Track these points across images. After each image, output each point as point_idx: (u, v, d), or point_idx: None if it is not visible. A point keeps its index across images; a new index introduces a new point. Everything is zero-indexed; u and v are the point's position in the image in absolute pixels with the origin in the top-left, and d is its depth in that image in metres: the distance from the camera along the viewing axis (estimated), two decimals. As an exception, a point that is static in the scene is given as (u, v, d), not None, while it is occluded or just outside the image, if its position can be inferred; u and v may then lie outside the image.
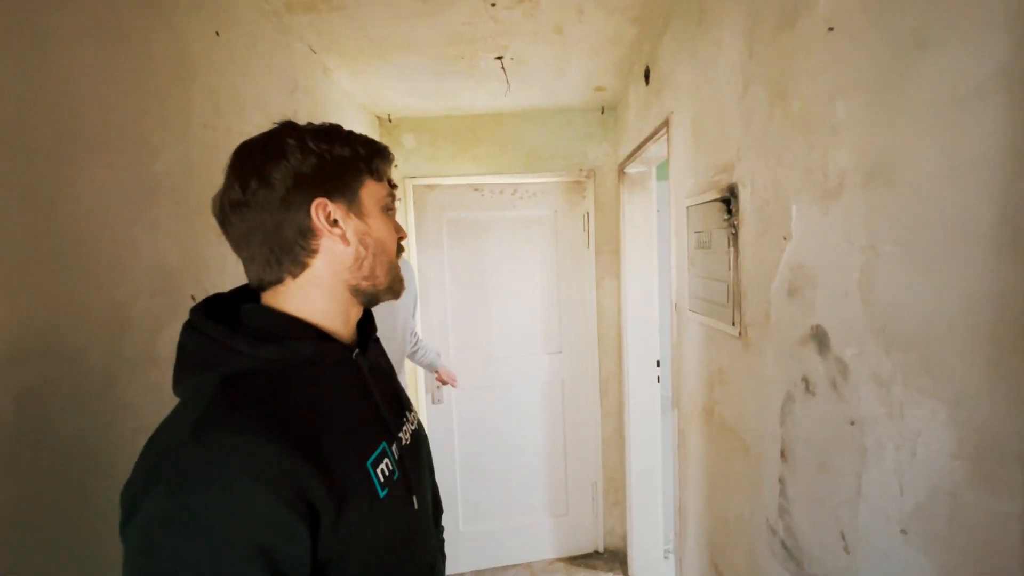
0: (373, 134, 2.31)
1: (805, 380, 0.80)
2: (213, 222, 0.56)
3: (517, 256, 2.42)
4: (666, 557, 2.32)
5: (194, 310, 0.54)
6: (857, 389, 0.67)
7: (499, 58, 1.71)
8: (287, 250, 0.54)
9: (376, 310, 0.70)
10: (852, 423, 0.69)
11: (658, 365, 2.24)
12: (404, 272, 1.71)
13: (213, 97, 1.06)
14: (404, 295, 1.63)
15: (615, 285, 2.40)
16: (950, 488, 0.53)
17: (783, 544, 0.89)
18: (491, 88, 2.00)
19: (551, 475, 2.48)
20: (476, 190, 2.37)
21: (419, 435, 0.69)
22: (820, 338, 0.75)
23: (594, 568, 2.41)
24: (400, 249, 0.63)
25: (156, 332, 0.87)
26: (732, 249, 1.05)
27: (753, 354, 0.98)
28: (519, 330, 2.45)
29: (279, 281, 0.55)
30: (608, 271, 2.41)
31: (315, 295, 0.56)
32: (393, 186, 1.57)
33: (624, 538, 2.44)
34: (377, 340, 0.71)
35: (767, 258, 0.91)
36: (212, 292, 0.59)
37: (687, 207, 1.32)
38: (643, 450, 2.25)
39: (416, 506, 0.59)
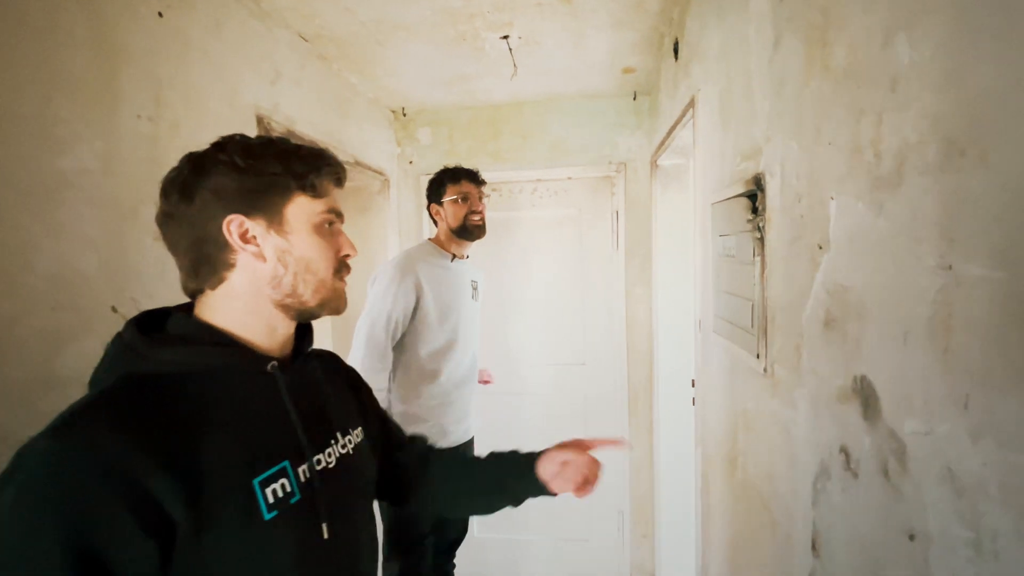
0: (387, 130, 2.20)
1: (845, 452, 0.56)
2: (151, 225, 0.57)
3: (537, 260, 2.22)
4: (700, 603, 2.04)
5: (130, 319, 0.55)
6: (920, 486, 0.43)
7: (505, 37, 1.52)
8: (205, 262, 0.55)
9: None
10: (912, 537, 0.44)
11: (693, 385, 1.96)
12: (482, 277, 1.73)
13: (153, 86, 0.96)
14: (475, 296, 1.64)
15: (647, 294, 2.14)
16: None
17: (814, 667, 0.64)
18: (506, 75, 1.82)
19: (570, 497, 2.26)
20: (494, 190, 2.18)
21: (352, 460, 0.63)
22: (866, 396, 0.51)
23: (618, 605, 2.17)
24: (342, 268, 0.61)
25: (56, 350, 0.77)
26: (759, 259, 0.80)
27: (781, 400, 0.74)
28: (538, 340, 2.25)
29: (201, 291, 0.56)
30: (639, 278, 2.15)
31: (234, 307, 0.56)
32: (480, 183, 1.64)
33: (652, 574, 2.17)
34: (327, 356, 0.73)
35: (799, 273, 0.66)
36: (143, 303, 0.59)
37: (712, 204, 1.07)
38: (674, 480, 1.98)
39: (326, 535, 0.56)
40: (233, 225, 0.53)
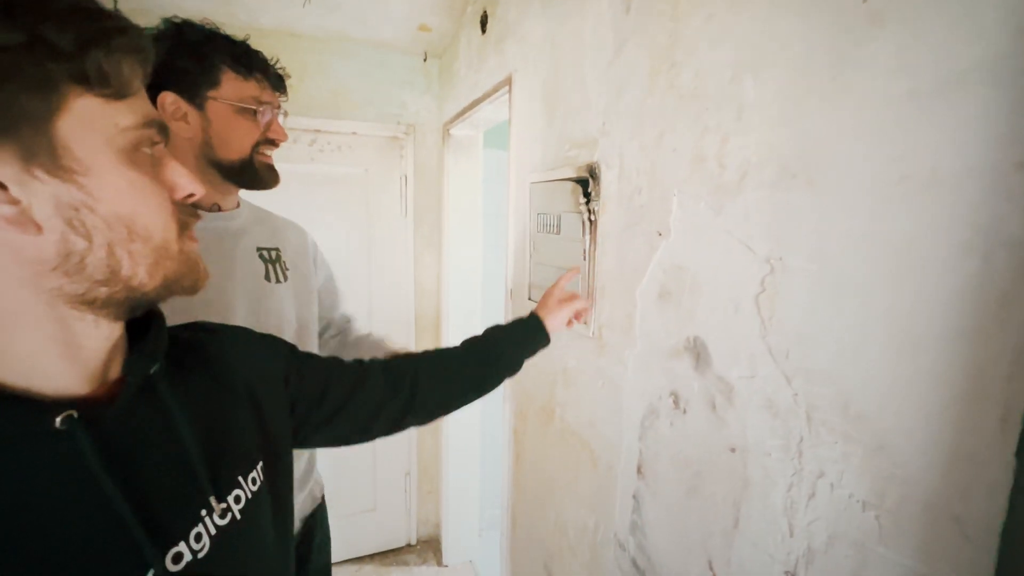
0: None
1: (674, 395, 0.72)
2: None
3: (318, 220, 1.98)
4: (481, 535, 2.30)
5: None
6: (744, 415, 0.60)
7: (295, -50, 1.25)
8: None
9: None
10: (733, 450, 0.62)
11: (479, 346, 2.13)
12: (292, 238, 0.97)
13: None
14: (304, 274, 0.96)
15: (435, 261, 2.17)
16: (857, 539, 0.47)
17: (633, 562, 0.83)
18: (282, -5, 1.50)
19: (355, 469, 2.18)
20: (260, 131, 1.81)
21: (231, 538, 0.42)
22: (698, 352, 0.67)
23: (406, 563, 2.24)
24: (189, 217, 0.41)
25: None
26: (588, 238, 0.92)
27: (609, 358, 0.88)
28: (320, 311, 2.03)
29: None
30: (428, 244, 2.16)
31: None
32: (281, 89, 0.90)
33: (438, 526, 2.33)
34: (219, 336, 0.51)
35: (635, 254, 0.80)
36: None
37: (531, 183, 1.16)
38: (460, 434, 2.14)
39: None
40: None
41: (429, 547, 2.34)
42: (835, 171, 0.48)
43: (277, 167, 0.89)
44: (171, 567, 0.37)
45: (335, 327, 1.14)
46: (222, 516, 0.42)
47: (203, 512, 0.41)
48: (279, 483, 0.51)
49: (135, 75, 0.36)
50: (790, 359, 0.54)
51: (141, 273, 0.37)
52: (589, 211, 0.91)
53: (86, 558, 0.34)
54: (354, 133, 1.98)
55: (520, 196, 1.24)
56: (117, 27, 0.35)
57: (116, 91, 0.35)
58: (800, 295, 0.52)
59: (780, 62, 0.54)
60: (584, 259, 0.94)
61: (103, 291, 0.36)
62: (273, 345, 0.59)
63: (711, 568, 0.66)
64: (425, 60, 2.04)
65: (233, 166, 0.82)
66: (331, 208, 2.00)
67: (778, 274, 0.55)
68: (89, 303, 0.35)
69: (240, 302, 0.84)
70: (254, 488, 0.47)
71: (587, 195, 0.92)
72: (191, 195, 0.41)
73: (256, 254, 0.90)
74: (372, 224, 2.08)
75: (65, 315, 0.35)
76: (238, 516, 0.44)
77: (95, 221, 0.34)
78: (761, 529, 0.58)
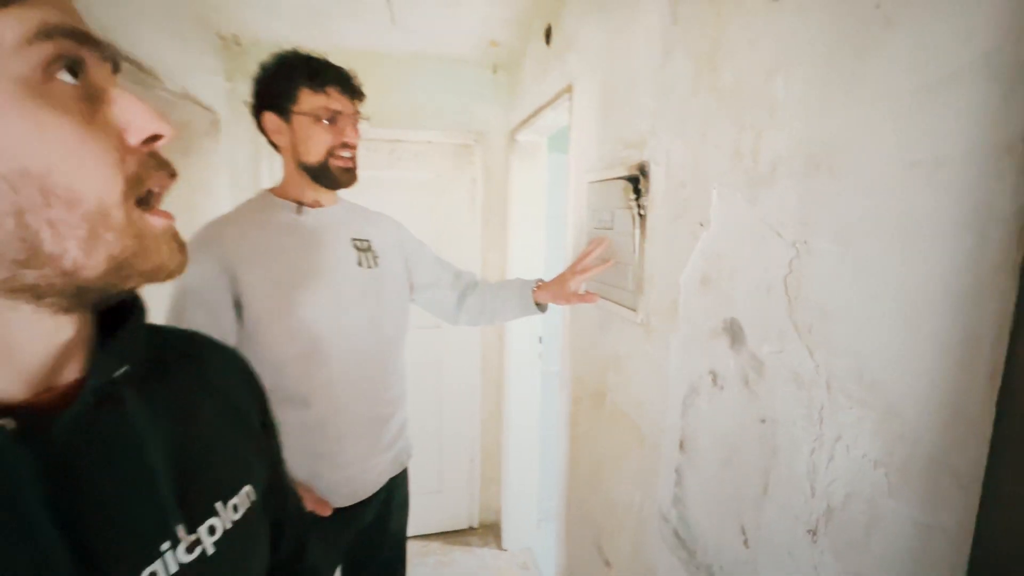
0: (212, 58, 1.84)
1: (713, 373, 0.78)
2: None
3: (396, 222, 2.18)
4: (539, 526, 2.39)
5: None
6: (773, 388, 0.65)
7: (383, -16, 1.43)
8: None
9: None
10: (763, 421, 0.67)
11: (540, 342, 2.23)
12: (381, 230, 1.11)
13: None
14: (391, 261, 1.08)
15: (500, 259, 2.31)
16: (869, 495, 0.52)
17: (676, 533, 0.88)
18: (373, 22, 1.71)
19: (425, 453, 2.36)
20: (349, 142, 2.05)
21: (208, 574, 0.36)
22: (734, 332, 0.72)
23: (468, 544, 2.38)
24: (146, 177, 0.31)
25: None
26: (639, 231, 0.99)
27: (655, 343, 0.95)
28: (396, 304, 2.23)
29: None
30: (494, 244, 2.30)
31: None
32: (357, 95, 1.04)
33: (498, 512, 2.44)
34: (208, 352, 0.46)
35: (679, 244, 0.86)
36: None
37: (588, 183, 1.24)
38: (521, 426, 2.25)
39: None
40: None
41: (490, 532, 2.46)
42: (854, 160, 0.53)
43: (363, 173, 1.04)
44: None
45: (463, 281, 1.26)
46: (189, 550, 0.35)
47: (164, 546, 0.33)
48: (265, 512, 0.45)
49: (60, 17, 0.27)
50: (813, 333, 0.58)
51: (72, 250, 0.28)
52: (639, 206, 0.99)
53: None
54: (429, 142, 2.17)
55: (578, 195, 1.32)
56: None
57: (38, 28, 0.26)
58: (822, 274, 0.57)
59: (807, 62, 0.59)
60: (634, 252, 1.01)
61: (30, 275, 0.27)
62: (262, 394, 0.51)
63: (743, 532, 0.71)
64: (495, 72, 2.18)
65: (314, 169, 0.96)
66: (407, 210, 2.19)
67: (803, 256, 0.60)
68: (18, 291, 0.28)
69: (332, 284, 0.97)
70: (235, 517, 0.39)
71: (637, 191, 0.99)
72: (155, 136, 0.31)
73: (351, 244, 1.04)
74: (443, 224, 2.25)
75: None
76: (210, 550, 0.36)
77: (8, 180, 0.26)
78: (787, 493, 0.63)
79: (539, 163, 2.13)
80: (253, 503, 0.43)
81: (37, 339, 0.30)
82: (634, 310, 1.01)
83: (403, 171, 2.17)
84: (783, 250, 0.63)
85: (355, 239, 1.05)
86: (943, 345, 0.45)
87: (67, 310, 0.31)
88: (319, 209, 1.02)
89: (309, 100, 0.94)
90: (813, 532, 0.59)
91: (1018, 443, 0.37)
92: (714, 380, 0.77)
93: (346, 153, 0.98)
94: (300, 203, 1.00)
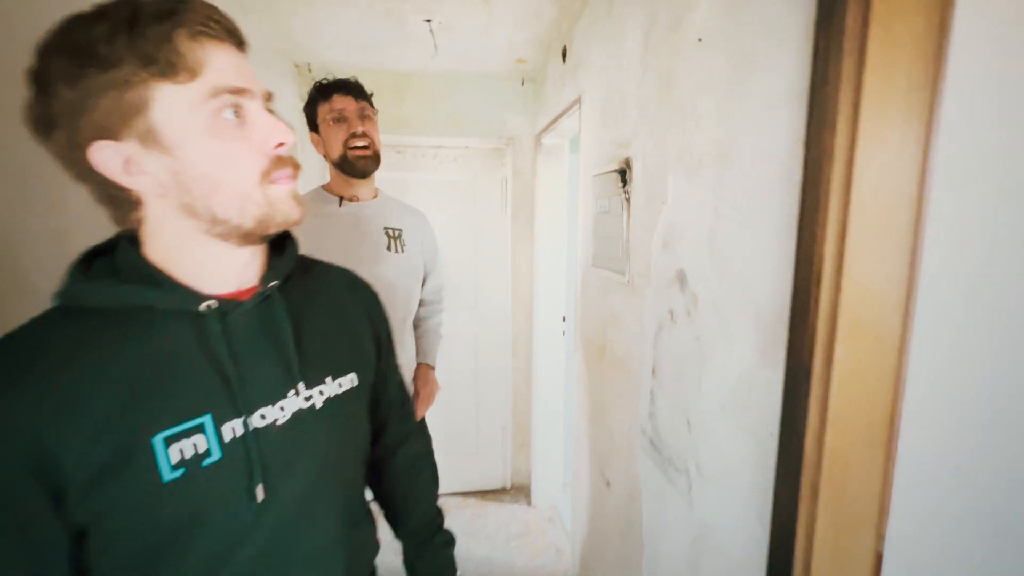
0: (290, 84, 2.24)
1: (671, 312, 1.05)
2: None
3: (437, 217, 2.52)
4: (563, 489, 2.66)
5: (94, 246, 0.51)
6: (703, 314, 0.92)
7: (428, 21, 1.77)
8: (109, 203, 0.48)
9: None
10: (697, 338, 0.94)
11: (563, 320, 2.51)
12: (413, 222, 1.35)
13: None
14: (417, 251, 1.31)
15: (528, 248, 2.61)
16: (749, 371, 0.78)
17: (651, 441, 1.16)
18: (419, 48, 2.05)
19: (463, 419, 2.69)
20: (399, 152, 2.41)
21: (307, 417, 0.54)
22: (682, 279, 1.00)
23: (501, 501, 2.69)
24: (271, 167, 0.48)
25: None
26: (625, 213, 1.27)
27: (637, 297, 1.22)
28: (438, 287, 2.58)
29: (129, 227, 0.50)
30: (523, 235, 2.61)
31: (161, 242, 0.48)
32: (360, 95, 1.26)
33: (528, 475, 2.74)
34: (336, 276, 0.67)
35: (650, 219, 1.13)
36: None
37: (593, 176, 1.53)
38: (548, 397, 2.53)
39: (260, 498, 0.49)
40: (100, 156, 0.42)
41: (521, 492, 2.76)
42: (737, 154, 0.80)
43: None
44: (257, 422, 0.49)
45: (431, 310, 1.50)
46: (306, 400, 0.54)
47: (291, 392, 0.52)
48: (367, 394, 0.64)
49: (213, 48, 0.42)
50: (721, 271, 0.85)
51: (233, 214, 0.46)
52: (625, 192, 1.26)
53: (195, 397, 0.46)
54: (466, 147, 2.50)
55: (586, 187, 1.61)
56: (188, 8, 0.41)
57: (187, 71, 0.41)
58: (727, 231, 0.84)
59: (716, 85, 0.86)
60: (623, 228, 1.29)
61: (218, 228, 0.47)
62: (378, 305, 0.72)
63: (688, 424, 0.98)
64: (523, 84, 2.49)
65: (339, 162, 1.22)
66: (447, 207, 2.54)
67: (719, 220, 0.87)
68: (215, 236, 0.47)
69: (364, 263, 1.21)
70: (339, 391, 0.58)
71: (624, 181, 1.27)
72: (279, 143, 0.47)
73: (383, 231, 1.29)
74: (478, 219, 2.58)
75: (203, 242, 0.48)
76: (319, 405, 0.55)
77: (189, 181, 0.44)
78: (711, 386, 0.89)
79: (561, 163, 2.42)
80: (355, 387, 0.61)
81: (229, 260, 0.51)
82: (623, 274, 1.29)
83: (444, 174, 2.51)
84: (707, 217, 0.90)
85: (387, 227, 1.30)
86: (778, 266, 0.71)
87: (241, 245, 0.50)
88: (357, 203, 1.28)
89: (322, 110, 1.23)
90: (723, 407, 0.86)
91: (803, 296, 0.63)
92: (672, 317, 1.04)
93: (360, 143, 1.20)
94: (342, 198, 1.25)
